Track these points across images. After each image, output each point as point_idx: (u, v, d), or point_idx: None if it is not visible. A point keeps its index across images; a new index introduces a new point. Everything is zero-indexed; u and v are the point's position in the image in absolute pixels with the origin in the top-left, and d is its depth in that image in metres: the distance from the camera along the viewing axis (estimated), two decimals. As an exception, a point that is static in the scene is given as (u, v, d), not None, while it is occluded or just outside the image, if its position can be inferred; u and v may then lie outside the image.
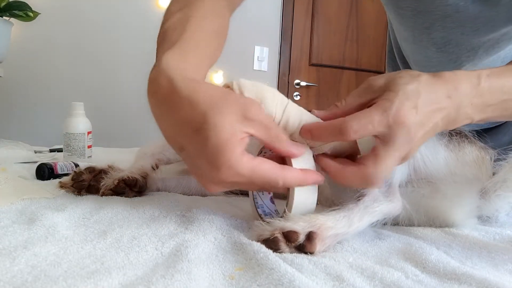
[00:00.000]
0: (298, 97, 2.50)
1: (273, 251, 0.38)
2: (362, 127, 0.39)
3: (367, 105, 0.42)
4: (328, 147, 0.45)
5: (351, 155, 0.45)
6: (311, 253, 0.40)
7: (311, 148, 0.45)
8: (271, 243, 0.39)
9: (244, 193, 0.70)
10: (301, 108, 0.44)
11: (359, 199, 0.46)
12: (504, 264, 0.40)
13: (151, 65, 0.44)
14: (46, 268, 0.31)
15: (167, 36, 0.47)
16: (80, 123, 0.98)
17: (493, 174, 0.53)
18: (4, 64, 1.39)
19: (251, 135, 0.39)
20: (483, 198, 0.53)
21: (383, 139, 0.40)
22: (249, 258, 0.36)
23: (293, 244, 0.40)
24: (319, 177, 0.43)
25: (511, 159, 0.50)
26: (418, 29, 0.77)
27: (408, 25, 0.79)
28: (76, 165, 0.77)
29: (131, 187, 0.60)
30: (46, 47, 1.95)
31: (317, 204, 0.45)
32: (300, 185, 0.42)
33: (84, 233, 0.41)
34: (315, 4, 2.48)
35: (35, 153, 1.10)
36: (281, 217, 0.43)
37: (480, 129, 0.57)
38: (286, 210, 0.43)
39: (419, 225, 0.54)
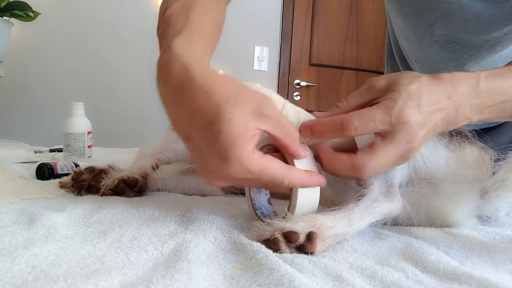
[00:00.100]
0: (298, 97, 2.50)
1: (273, 252, 0.38)
2: (364, 124, 0.40)
3: (368, 105, 0.43)
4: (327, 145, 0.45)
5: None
6: (312, 253, 0.40)
7: (310, 147, 0.45)
8: (271, 244, 0.39)
9: (244, 193, 0.70)
10: (299, 108, 0.44)
11: (359, 199, 0.46)
12: (504, 264, 0.40)
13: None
14: (46, 268, 0.31)
15: (171, 23, 0.46)
16: (80, 123, 0.98)
17: (493, 174, 0.53)
18: (4, 64, 1.39)
19: (264, 131, 0.39)
20: (482, 198, 0.53)
21: (384, 136, 0.41)
22: (249, 258, 0.36)
23: (293, 244, 0.40)
24: (322, 180, 0.43)
25: (510, 159, 0.50)
26: (420, 27, 0.77)
27: (411, 23, 0.79)
28: (76, 165, 0.77)
29: (131, 187, 0.60)
30: (46, 47, 1.95)
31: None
32: (304, 186, 0.42)
33: (84, 233, 0.41)
34: (315, 4, 2.48)
35: (35, 153, 1.10)
36: (283, 217, 0.43)
37: (480, 129, 0.57)
38: (287, 211, 0.43)
39: (419, 225, 0.54)
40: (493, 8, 0.68)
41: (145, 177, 0.63)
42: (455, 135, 0.54)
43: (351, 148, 0.45)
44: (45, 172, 0.72)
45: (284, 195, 0.66)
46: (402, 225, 0.54)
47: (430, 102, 0.41)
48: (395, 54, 0.96)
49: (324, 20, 2.50)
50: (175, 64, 0.39)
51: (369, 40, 2.56)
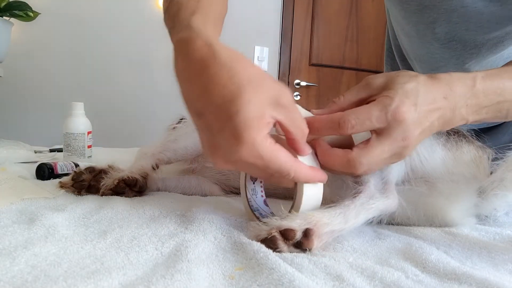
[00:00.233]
0: (298, 97, 2.50)
1: (273, 251, 0.38)
2: (360, 122, 0.40)
3: (365, 101, 0.43)
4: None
5: None
6: (309, 249, 0.40)
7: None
8: (269, 242, 0.39)
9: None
10: (297, 105, 0.44)
11: (355, 196, 0.46)
12: (504, 264, 0.40)
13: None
14: (46, 268, 0.31)
15: (183, 5, 0.46)
16: (80, 123, 0.98)
17: (491, 173, 0.53)
18: (4, 64, 1.39)
19: (277, 121, 0.39)
20: (480, 197, 0.53)
21: (379, 133, 0.41)
22: (249, 258, 0.36)
23: (290, 241, 0.40)
24: (324, 176, 0.43)
25: (508, 158, 0.51)
26: (422, 24, 0.77)
27: (412, 20, 0.79)
28: (76, 165, 0.77)
29: (131, 187, 0.60)
30: (46, 47, 1.95)
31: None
32: (308, 181, 0.42)
33: (84, 233, 0.41)
34: (315, 4, 2.48)
35: (35, 153, 1.10)
36: (287, 215, 0.43)
37: (479, 129, 0.58)
38: (291, 209, 0.44)
39: (418, 225, 0.54)
40: (495, 6, 0.68)
41: (145, 177, 0.63)
42: (452, 134, 0.55)
43: (348, 145, 0.45)
44: (45, 172, 0.72)
45: (281, 195, 0.66)
46: (401, 225, 0.54)
47: (426, 101, 0.41)
48: (394, 53, 0.96)
49: (324, 20, 2.50)
50: (197, 40, 0.39)
51: (369, 40, 2.56)
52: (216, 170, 0.73)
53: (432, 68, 0.82)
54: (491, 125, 0.83)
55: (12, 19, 1.35)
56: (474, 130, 0.57)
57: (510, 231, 0.52)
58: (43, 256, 0.33)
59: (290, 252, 0.39)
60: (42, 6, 1.62)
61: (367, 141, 0.42)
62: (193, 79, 0.39)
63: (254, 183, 0.51)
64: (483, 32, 0.72)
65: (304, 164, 0.42)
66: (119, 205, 0.53)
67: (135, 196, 0.61)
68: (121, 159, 0.71)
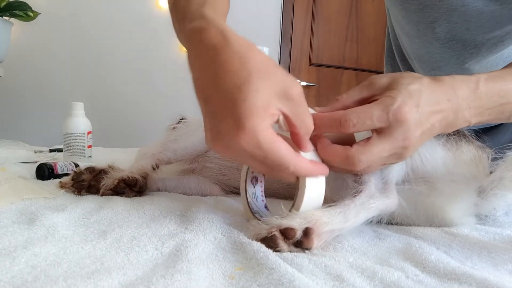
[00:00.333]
0: (298, 97, 2.50)
1: (273, 250, 0.38)
2: (362, 121, 0.40)
3: (367, 100, 0.43)
4: None
5: None
6: (309, 249, 0.40)
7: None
8: (269, 241, 0.39)
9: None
10: None
11: (356, 196, 0.46)
12: (504, 264, 0.40)
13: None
14: (46, 268, 0.31)
15: None
16: (80, 123, 0.98)
17: (490, 173, 0.53)
18: (4, 64, 1.39)
19: (283, 114, 0.39)
20: (480, 196, 0.53)
21: (380, 132, 0.41)
22: (249, 258, 0.36)
23: (291, 240, 0.40)
24: (325, 169, 0.43)
25: (507, 157, 0.51)
26: (422, 24, 0.77)
27: (412, 19, 0.79)
28: (76, 165, 0.77)
29: (131, 187, 0.61)
30: (46, 47, 1.95)
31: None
32: (308, 175, 0.42)
33: (84, 233, 0.41)
34: (315, 4, 2.48)
35: (35, 153, 1.10)
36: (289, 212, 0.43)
37: (480, 129, 0.58)
38: (293, 207, 0.43)
39: (418, 224, 0.54)
40: (495, 5, 0.68)
41: (145, 177, 0.63)
42: (452, 134, 0.55)
43: (349, 142, 0.45)
44: (45, 172, 0.72)
45: (281, 195, 0.66)
46: (402, 224, 0.54)
47: (429, 102, 0.41)
48: (395, 52, 0.96)
49: (324, 20, 2.50)
50: (211, 28, 0.40)
51: (369, 40, 2.56)
52: (216, 170, 0.73)
53: (432, 68, 0.82)
54: (490, 125, 0.83)
55: (12, 19, 1.35)
56: (474, 130, 0.57)
57: (510, 231, 0.52)
58: (43, 256, 0.33)
59: (290, 252, 0.40)
60: (42, 6, 1.62)
61: (368, 139, 0.42)
62: (205, 66, 0.40)
63: (254, 187, 0.51)
64: (483, 31, 0.72)
65: (304, 158, 0.41)
66: (119, 205, 0.53)
67: (135, 196, 0.61)
68: (121, 159, 0.71)
